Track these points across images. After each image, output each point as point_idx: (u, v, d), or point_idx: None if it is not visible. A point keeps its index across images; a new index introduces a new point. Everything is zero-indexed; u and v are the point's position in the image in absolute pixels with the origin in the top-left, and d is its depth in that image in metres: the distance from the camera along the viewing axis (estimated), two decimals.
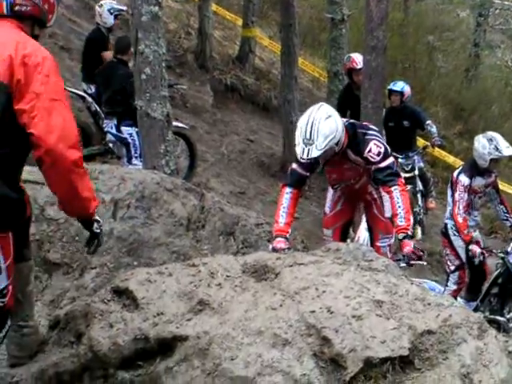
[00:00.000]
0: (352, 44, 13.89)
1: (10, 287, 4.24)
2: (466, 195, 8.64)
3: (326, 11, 13.65)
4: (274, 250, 5.78)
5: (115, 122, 10.31)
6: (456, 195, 8.66)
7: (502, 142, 8.68)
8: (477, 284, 9.05)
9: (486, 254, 8.60)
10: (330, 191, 7.05)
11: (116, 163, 10.06)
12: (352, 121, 6.55)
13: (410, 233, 6.07)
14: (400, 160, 11.51)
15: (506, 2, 22.97)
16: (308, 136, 5.87)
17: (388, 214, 6.17)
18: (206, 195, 6.86)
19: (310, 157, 5.91)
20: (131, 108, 9.10)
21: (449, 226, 9.05)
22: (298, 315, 3.95)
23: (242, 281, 4.33)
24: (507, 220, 9.01)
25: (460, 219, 8.61)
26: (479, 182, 8.83)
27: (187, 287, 4.36)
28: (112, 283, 4.67)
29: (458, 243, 8.94)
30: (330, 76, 13.71)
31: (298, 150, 5.94)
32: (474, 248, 8.52)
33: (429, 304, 4.16)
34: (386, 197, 6.17)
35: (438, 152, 13.60)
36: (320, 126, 5.89)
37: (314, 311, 3.95)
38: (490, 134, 8.87)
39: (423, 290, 4.31)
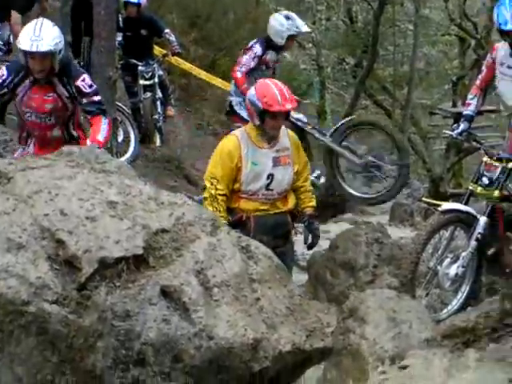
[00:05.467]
0: None
1: None
2: (253, 63, 8.79)
3: None
4: None
5: None
6: (244, 58, 8.82)
7: (299, 20, 8.98)
8: None
9: None
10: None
11: None
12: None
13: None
14: (140, 68, 11.76)
15: None
16: (37, 34, 6.15)
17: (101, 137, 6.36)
18: None
19: (38, 50, 6.13)
20: None
21: (234, 103, 9.09)
22: (31, 219, 3.92)
23: None
24: None
25: (239, 75, 8.75)
26: (272, 56, 9.02)
27: None
28: None
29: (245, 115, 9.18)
30: None
31: (26, 45, 6.15)
32: None
33: (162, 203, 4.26)
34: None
35: (174, 60, 13.72)
36: (49, 28, 6.28)
37: (47, 214, 3.94)
38: (286, 12, 9.26)
39: (157, 190, 4.42)
